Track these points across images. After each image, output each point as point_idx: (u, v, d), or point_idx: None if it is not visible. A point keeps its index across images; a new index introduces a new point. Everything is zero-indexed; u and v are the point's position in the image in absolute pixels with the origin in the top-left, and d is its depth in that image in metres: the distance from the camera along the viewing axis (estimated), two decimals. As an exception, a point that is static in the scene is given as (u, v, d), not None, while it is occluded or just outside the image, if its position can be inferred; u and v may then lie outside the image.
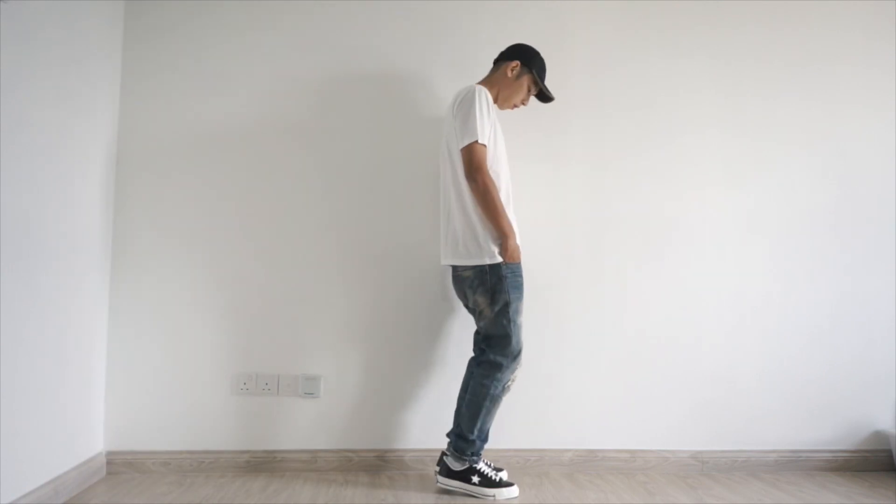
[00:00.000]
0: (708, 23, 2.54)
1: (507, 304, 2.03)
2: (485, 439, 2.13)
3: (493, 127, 2.06)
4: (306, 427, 2.33)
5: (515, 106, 2.23)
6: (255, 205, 2.35)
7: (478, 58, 2.39)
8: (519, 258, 2.05)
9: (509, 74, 2.16)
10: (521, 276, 2.07)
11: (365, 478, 2.25)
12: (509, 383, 2.11)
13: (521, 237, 2.38)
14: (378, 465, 2.33)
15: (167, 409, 2.28)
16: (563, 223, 2.45)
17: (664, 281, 2.47)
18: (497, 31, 2.44)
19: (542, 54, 2.23)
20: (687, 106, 2.51)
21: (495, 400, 2.09)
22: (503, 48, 2.26)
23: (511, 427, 2.38)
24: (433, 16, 2.44)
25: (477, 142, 1.97)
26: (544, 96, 2.24)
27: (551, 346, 2.42)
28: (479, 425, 2.08)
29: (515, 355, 2.08)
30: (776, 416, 2.48)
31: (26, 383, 1.78)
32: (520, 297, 2.06)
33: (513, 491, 2.07)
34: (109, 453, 2.25)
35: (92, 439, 2.18)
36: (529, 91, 2.22)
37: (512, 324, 2.04)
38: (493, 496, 2.04)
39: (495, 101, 2.17)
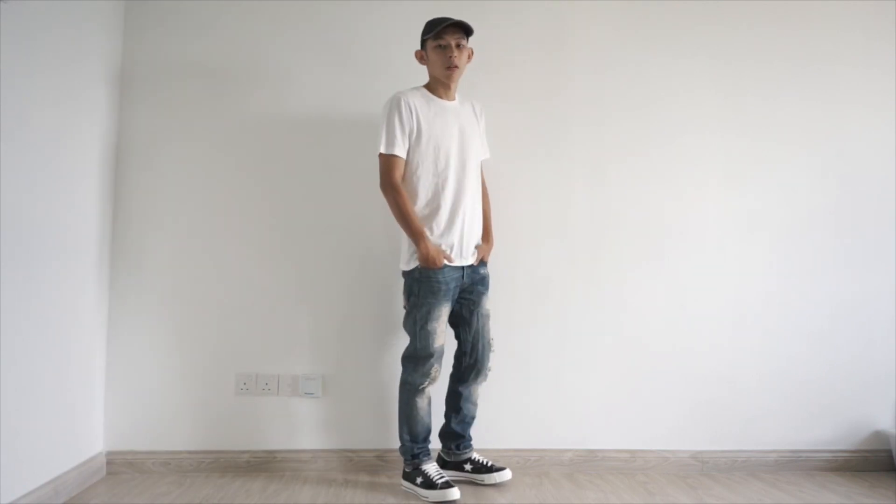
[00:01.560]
0: (708, 23, 2.53)
1: (413, 307, 2.07)
2: (418, 441, 2.11)
3: (413, 127, 2.05)
4: (306, 427, 2.33)
5: (451, 68, 2.09)
6: (256, 205, 2.35)
7: (478, 58, 2.38)
8: (433, 264, 2.01)
9: (423, 62, 2.16)
10: (437, 282, 2.03)
11: (365, 478, 2.25)
12: (423, 387, 2.08)
13: (522, 237, 2.37)
14: (378, 465, 2.33)
15: (167, 409, 2.28)
16: (563, 223, 2.45)
17: (664, 281, 2.47)
18: (497, 30, 2.43)
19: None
20: (687, 106, 2.51)
21: (408, 403, 2.09)
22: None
23: (511, 427, 2.38)
24: (434, 16, 2.43)
25: (381, 153, 2.05)
26: (464, 32, 2.10)
27: (552, 346, 2.42)
28: (406, 428, 2.11)
29: (419, 359, 2.07)
30: (776, 416, 2.48)
31: (26, 383, 1.78)
32: (429, 304, 2.04)
33: (448, 494, 2.01)
34: (109, 453, 2.25)
35: (92, 439, 2.18)
36: (444, 52, 2.09)
37: (417, 327, 2.06)
38: (427, 497, 2.03)
39: (437, 86, 2.14)
